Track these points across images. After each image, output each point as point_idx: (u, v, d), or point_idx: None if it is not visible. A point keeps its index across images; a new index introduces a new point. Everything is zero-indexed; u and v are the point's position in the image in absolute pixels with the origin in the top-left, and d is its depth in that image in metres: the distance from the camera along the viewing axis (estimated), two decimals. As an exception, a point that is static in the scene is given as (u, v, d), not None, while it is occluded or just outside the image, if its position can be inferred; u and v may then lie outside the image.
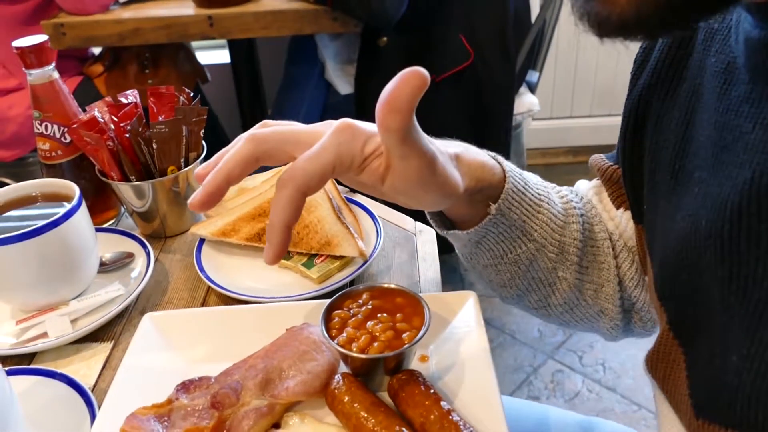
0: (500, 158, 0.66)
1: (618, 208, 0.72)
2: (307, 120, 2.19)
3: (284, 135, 0.57)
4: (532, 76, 2.40)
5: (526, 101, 2.32)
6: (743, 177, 0.43)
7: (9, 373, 0.69)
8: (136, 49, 2.32)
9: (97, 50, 2.45)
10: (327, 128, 0.56)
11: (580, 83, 3.11)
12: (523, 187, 0.66)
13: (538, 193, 0.68)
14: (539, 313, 0.77)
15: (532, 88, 2.39)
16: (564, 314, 0.75)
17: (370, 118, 0.53)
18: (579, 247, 0.70)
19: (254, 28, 1.98)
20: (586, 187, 0.78)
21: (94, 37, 2.04)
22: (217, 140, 2.57)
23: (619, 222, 0.73)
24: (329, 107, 2.54)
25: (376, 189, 0.58)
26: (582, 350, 2.22)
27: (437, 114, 2.07)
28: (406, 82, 0.49)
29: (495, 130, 2.15)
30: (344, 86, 2.38)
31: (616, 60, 2.97)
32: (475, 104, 2.09)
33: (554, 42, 2.54)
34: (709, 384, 0.47)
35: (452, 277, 2.49)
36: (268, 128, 0.58)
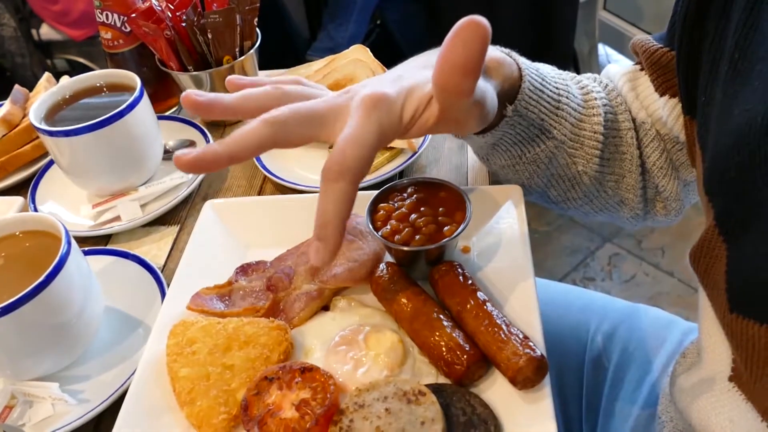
0: (514, 54, 0.63)
1: (662, 94, 0.68)
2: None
3: (304, 116, 0.51)
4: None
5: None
6: None
7: (87, 253, 0.76)
8: None
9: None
10: (347, 100, 0.52)
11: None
12: (541, 84, 0.63)
13: (557, 88, 0.65)
14: (558, 207, 0.77)
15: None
16: (584, 206, 0.75)
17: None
18: (600, 140, 0.68)
19: None
20: (617, 72, 0.74)
21: None
22: (279, 18, 2.54)
23: (656, 109, 0.69)
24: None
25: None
26: (642, 234, 2.21)
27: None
28: (474, 37, 0.45)
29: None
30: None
31: None
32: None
33: None
34: (748, 280, 0.48)
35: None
36: (285, 108, 0.51)
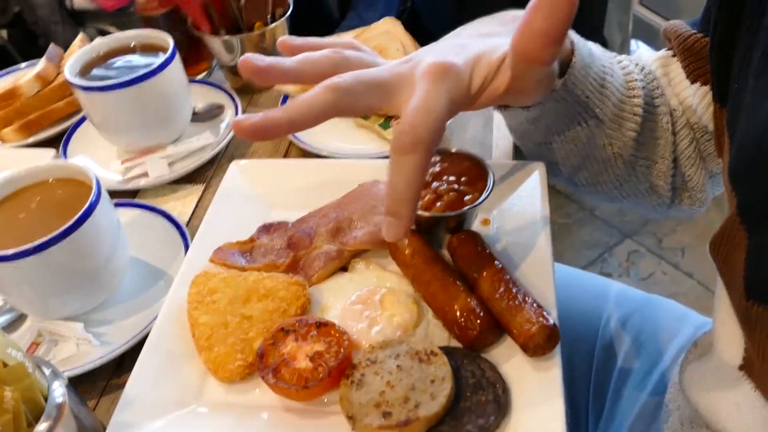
0: None
1: (694, 81, 0.67)
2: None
3: (370, 83, 0.50)
4: None
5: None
6: None
7: (117, 205, 0.78)
8: None
9: None
10: (411, 68, 0.50)
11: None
12: (590, 60, 0.62)
13: (603, 66, 0.64)
14: (587, 190, 0.76)
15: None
16: (613, 190, 0.75)
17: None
18: (638, 123, 0.67)
19: None
20: (649, 57, 0.73)
21: None
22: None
23: (687, 97, 0.68)
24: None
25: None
26: (663, 233, 2.19)
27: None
28: (561, 3, 0.44)
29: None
30: None
31: None
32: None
33: None
34: (766, 269, 0.48)
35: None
36: (349, 75, 0.49)
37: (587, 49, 0.63)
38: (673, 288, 2.04)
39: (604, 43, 2.17)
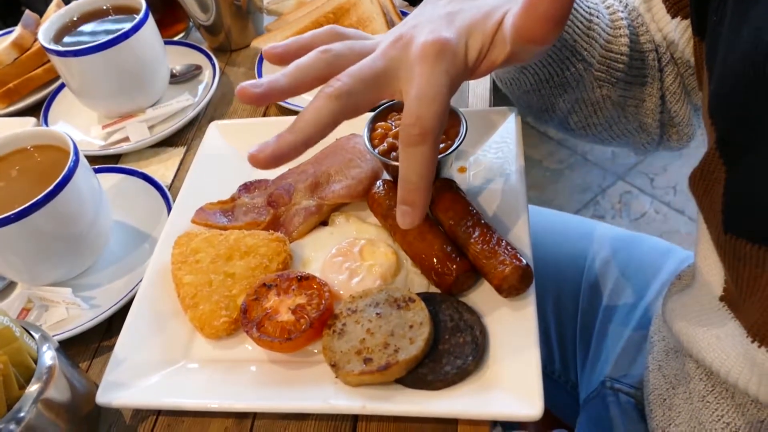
0: None
1: (674, 16, 0.66)
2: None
3: (367, 79, 0.49)
4: None
5: None
6: None
7: (98, 170, 0.79)
8: None
9: None
10: (403, 49, 0.50)
11: None
12: (576, 3, 0.62)
13: (588, 7, 0.63)
14: (576, 134, 0.76)
15: None
16: (603, 132, 0.75)
17: None
18: (626, 62, 0.67)
19: None
20: None
21: None
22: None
23: (669, 32, 0.68)
24: None
25: None
26: (654, 173, 2.20)
27: None
28: None
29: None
30: None
31: None
32: None
33: None
34: (743, 202, 0.49)
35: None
36: (345, 76, 0.49)
37: None
38: (666, 226, 2.06)
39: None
